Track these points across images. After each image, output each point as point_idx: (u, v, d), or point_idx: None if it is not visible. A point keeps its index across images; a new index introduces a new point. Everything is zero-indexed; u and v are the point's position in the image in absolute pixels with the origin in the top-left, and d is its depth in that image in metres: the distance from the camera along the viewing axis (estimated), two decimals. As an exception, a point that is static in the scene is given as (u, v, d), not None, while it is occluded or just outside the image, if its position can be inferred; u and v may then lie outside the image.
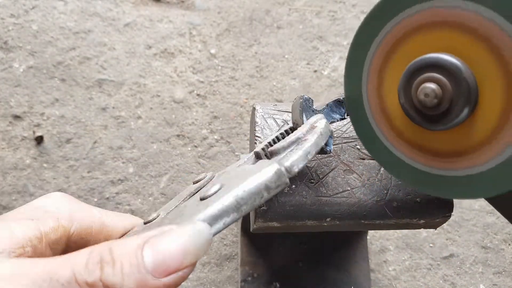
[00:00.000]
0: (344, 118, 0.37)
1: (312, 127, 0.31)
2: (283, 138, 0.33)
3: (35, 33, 0.89)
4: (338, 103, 0.36)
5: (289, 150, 0.29)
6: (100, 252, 0.21)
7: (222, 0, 0.95)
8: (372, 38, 0.31)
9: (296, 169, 0.27)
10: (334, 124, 0.39)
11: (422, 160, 0.30)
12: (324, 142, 0.31)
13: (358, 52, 0.32)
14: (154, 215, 0.29)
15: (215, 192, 0.25)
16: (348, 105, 0.34)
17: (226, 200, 0.24)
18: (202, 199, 0.26)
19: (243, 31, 0.92)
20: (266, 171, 0.25)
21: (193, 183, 0.31)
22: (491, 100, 0.26)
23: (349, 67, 0.33)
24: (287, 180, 0.26)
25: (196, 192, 0.29)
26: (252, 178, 0.25)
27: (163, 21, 0.92)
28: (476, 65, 0.26)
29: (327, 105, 0.36)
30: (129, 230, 0.29)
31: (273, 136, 0.33)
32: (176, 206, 0.29)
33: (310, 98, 0.35)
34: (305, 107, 0.34)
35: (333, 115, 0.36)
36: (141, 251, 0.21)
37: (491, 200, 0.34)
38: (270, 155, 0.30)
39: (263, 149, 0.32)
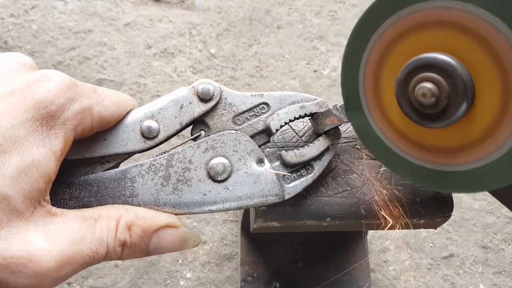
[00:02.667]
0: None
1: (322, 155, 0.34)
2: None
3: (35, 33, 0.89)
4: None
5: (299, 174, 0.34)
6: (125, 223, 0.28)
7: (222, 0, 0.95)
8: (368, 37, 0.31)
9: (287, 196, 0.32)
10: None
11: (426, 158, 0.31)
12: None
13: (354, 51, 0.32)
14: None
15: (225, 179, 0.31)
16: (346, 105, 0.35)
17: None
18: (213, 179, 0.30)
19: (243, 31, 0.92)
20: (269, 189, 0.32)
21: (191, 135, 0.34)
22: (488, 94, 0.27)
23: (345, 68, 0.34)
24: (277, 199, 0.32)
25: (195, 146, 0.32)
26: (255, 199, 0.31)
27: (163, 21, 0.92)
28: (470, 62, 0.27)
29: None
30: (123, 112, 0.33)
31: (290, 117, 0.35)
32: (182, 145, 0.32)
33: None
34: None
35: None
36: (149, 240, 0.28)
37: (495, 193, 0.34)
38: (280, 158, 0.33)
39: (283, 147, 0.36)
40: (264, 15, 0.95)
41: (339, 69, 0.90)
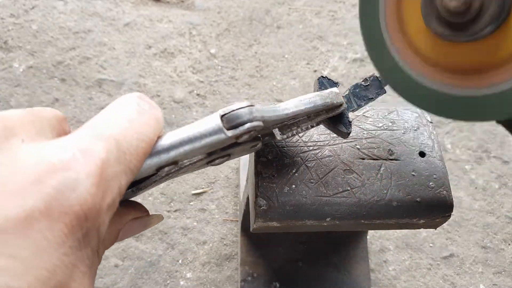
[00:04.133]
0: (372, 99, 0.35)
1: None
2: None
3: (35, 33, 0.89)
4: (362, 86, 0.35)
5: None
6: None
7: (222, 0, 0.95)
8: None
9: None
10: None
11: (443, 79, 0.28)
12: (325, 110, 0.31)
13: None
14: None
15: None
16: (363, 28, 0.32)
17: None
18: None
19: (243, 31, 0.92)
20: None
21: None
22: None
23: None
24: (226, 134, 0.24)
25: None
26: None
27: (163, 21, 0.92)
28: None
29: (349, 89, 0.35)
30: None
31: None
32: None
33: (330, 79, 0.34)
34: (325, 86, 0.34)
35: (357, 100, 0.35)
36: (117, 236, 0.24)
37: (507, 125, 0.31)
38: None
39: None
40: (264, 15, 0.95)
41: (339, 69, 0.90)
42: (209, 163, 0.29)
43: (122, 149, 0.20)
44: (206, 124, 0.24)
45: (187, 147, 0.24)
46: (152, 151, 0.23)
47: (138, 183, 0.26)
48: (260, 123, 0.25)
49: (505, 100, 0.25)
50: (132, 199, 0.28)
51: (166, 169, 0.24)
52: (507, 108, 0.25)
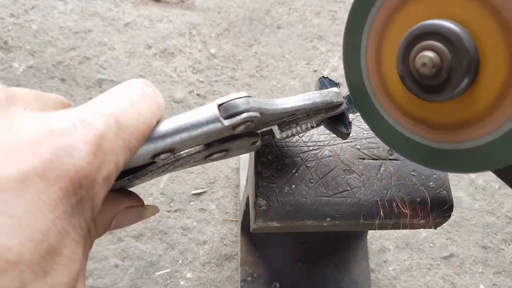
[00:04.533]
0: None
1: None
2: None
3: (35, 33, 0.89)
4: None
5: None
6: None
7: (222, 0, 0.95)
8: (368, 10, 0.30)
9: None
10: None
11: (423, 133, 0.29)
12: (322, 109, 0.31)
13: (355, 25, 0.31)
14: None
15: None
16: (348, 80, 0.34)
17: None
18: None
19: (243, 31, 0.92)
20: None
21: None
22: (493, 69, 0.25)
23: (346, 41, 0.32)
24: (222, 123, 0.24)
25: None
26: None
27: (163, 21, 0.92)
28: (477, 33, 0.25)
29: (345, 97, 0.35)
30: None
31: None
32: None
33: (331, 79, 0.35)
34: (326, 86, 0.34)
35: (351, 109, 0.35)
36: (110, 224, 0.25)
37: (498, 174, 0.33)
38: None
39: None
40: (264, 15, 0.95)
41: (339, 69, 0.90)
42: (207, 157, 0.28)
43: (122, 127, 0.20)
44: (203, 112, 0.24)
45: (183, 135, 0.24)
46: (149, 137, 0.23)
47: (134, 171, 0.25)
48: (257, 114, 0.25)
49: (487, 153, 0.26)
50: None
51: (162, 156, 0.24)
52: (491, 161, 0.26)
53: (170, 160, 0.26)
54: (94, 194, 0.18)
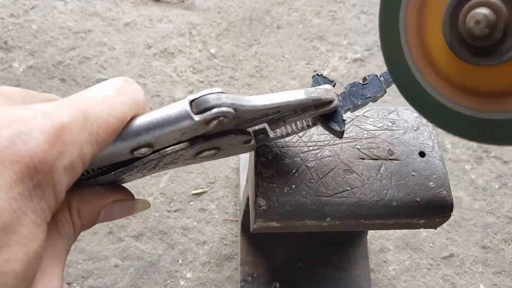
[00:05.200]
0: (370, 98, 0.34)
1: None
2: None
3: (35, 33, 0.89)
4: (360, 84, 0.35)
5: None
6: None
7: (222, 0, 0.95)
8: None
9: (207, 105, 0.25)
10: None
11: (468, 103, 0.27)
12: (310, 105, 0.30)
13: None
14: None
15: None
16: (384, 49, 0.32)
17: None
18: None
19: (243, 31, 0.92)
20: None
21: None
22: None
23: (383, 19, 0.30)
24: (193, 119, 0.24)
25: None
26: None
27: (163, 21, 0.92)
28: None
29: (346, 87, 0.34)
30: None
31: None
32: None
33: (326, 77, 0.34)
34: (319, 83, 0.34)
35: (353, 99, 0.34)
36: (97, 216, 0.26)
37: None
38: None
39: None
40: (264, 15, 0.95)
41: (339, 69, 0.90)
42: (197, 155, 0.29)
43: (89, 120, 0.21)
44: (174, 108, 0.24)
45: (156, 129, 0.24)
46: (122, 132, 0.24)
47: (120, 167, 0.26)
48: (229, 109, 0.25)
49: None
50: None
51: (142, 151, 0.25)
52: None
53: (156, 157, 0.27)
54: (55, 180, 0.19)
